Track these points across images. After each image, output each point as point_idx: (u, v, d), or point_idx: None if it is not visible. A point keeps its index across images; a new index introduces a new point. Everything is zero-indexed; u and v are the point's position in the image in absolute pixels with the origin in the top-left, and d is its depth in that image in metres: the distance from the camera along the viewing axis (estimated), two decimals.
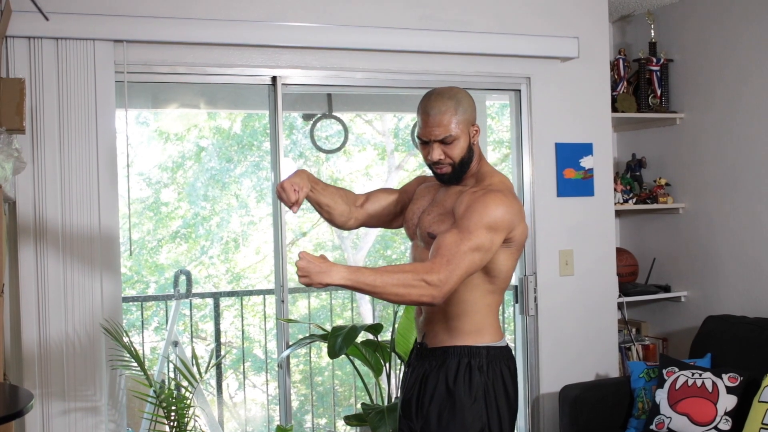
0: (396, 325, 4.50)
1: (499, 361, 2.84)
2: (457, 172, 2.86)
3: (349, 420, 4.54)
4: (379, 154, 10.70)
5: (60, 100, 3.92)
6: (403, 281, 2.51)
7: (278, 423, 4.57)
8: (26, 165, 3.68)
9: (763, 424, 3.88)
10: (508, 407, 2.84)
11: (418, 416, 2.86)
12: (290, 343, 4.48)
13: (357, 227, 3.18)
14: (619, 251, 5.33)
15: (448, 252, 2.58)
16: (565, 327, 4.94)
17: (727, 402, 4.12)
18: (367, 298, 9.87)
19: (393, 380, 4.62)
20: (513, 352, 2.95)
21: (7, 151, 3.16)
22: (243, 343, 8.24)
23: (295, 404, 9.11)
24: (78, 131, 3.94)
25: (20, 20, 3.77)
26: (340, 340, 4.11)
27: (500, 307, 2.91)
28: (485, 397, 2.79)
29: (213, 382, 6.37)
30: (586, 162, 5.00)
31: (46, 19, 3.66)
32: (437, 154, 2.83)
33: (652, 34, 5.39)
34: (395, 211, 3.18)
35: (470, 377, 2.79)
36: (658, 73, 5.32)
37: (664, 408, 4.25)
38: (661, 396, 4.30)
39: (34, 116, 3.88)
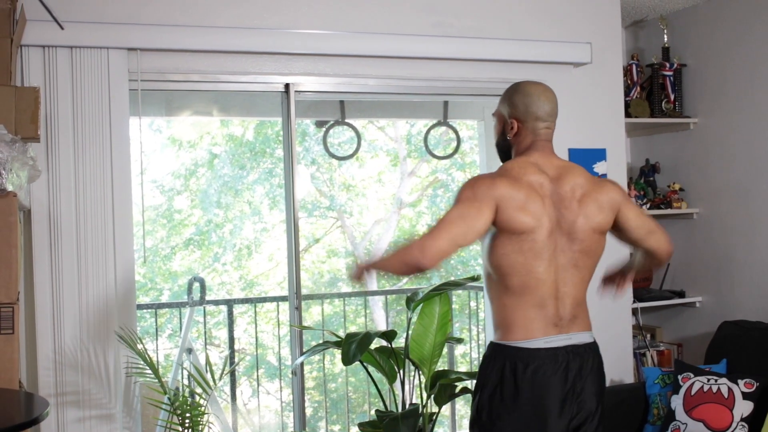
0: (410, 332, 4.49)
1: (502, 357, 2.85)
2: (498, 152, 3.10)
3: (364, 427, 4.53)
4: (391, 161, 10.70)
5: (74, 108, 3.94)
6: (400, 248, 2.74)
7: (292, 430, 4.56)
8: (41, 173, 3.70)
9: None
10: (503, 404, 2.83)
11: None
12: (304, 350, 4.48)
13: None
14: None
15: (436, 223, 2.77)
16: None
17: (744, 408, 4.10)
18: (380, 304, 9.87)
19: (407, 386, 4.61)
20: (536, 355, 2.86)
21: (22, 160, 3.18)
22: (257, 350, 8.23)
23: (308, 411, 9.11)
24: (92, 139, 3.96)
25: (35, 29, 3.79)
26: (354, 347, 4.11)
27: (532, 309, 2.86)
28: (481, 388, 2.89)
29: (227, 389, 6.37)
30: (599, 167, 4.99)
31: (61, 27, 3.68)
32: None
33: (665, 38, 5.37)
34: None
35: (480, 369, 2.94)
36: (672, 78, 5.31)
37: (680, 414, 4.23)
38: (677, 402, 4.28)
39: (49, 125, 3.90)
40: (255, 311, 7.76)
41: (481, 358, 3.01)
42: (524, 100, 2.97)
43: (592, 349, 2.95)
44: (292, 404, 4.69)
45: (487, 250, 2.89)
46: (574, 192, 2.89)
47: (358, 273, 2.87)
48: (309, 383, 9.40)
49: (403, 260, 2.73)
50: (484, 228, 2.78)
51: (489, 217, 2.77)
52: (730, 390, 4.16)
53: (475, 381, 2.98)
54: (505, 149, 3.05)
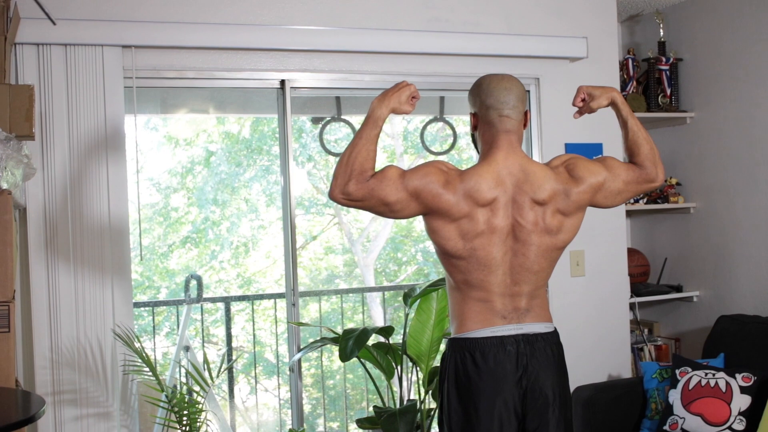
0: (407, 328, 4.49)
1: (454, 350, 2.87)
2: None
3: (362, 423, 4.53)
4: (388, 157, 10.68)
5: (69, 106, 3.93)
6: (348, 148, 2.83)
7: (290, 427, 4.56)
8: (36, 171, 3.69)
9: None
10: (459, 398, 2.85)
11: None
12: (301, 347, 4.48)
13: None
14: (631, 251, 5.31)
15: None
16: (577, 328, 4.92)
17: (741, 402, 4.10)
18: (378, 300, 9.87)
19: (405, 383, 4.61)
20: (478, 343, 2.85)
21: (16, 158, 3.17)
22: (254, 348, 8.24)
23: (307, 408, 9.11)
24: (87, 137, 3.95)
25: (29, 27, 3.78)
26: (351, 343, 4.11)
27: (478, 303, 2.87)
28: (440, 383, 2.92)
29: (225, 386, 6.37)
30: None
31: (53, 23, 3.67)
32: None
33: (661, 33, 5.37)
34: None
35: (440, 366, 2.98)
36: (668, 72, 5.31)
37: (678, 408, 4.23)
38: (675, 396, 4.28)
39: (44, 122, 3.89)
40: (252, 308, 7.77)
41: None
42: (476, 91, 2.93)
43: (546, 338, 2.89)
44: (290, 401, 4.69)
45: (435, 250, 2.93)
46: (535, 194, 2.82)
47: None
48: (307, 380, 9.39)
49: (338, 167, 2.80)
50: (434, 195, 2.78)
51: (440, 190, 2.77)
52: (727, 384, 4.16)
53: None
54: (477, 146, 3.03)
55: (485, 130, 2.92)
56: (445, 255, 2.86)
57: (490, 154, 2.88)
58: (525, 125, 2.95)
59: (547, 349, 2.88)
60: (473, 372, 2.81)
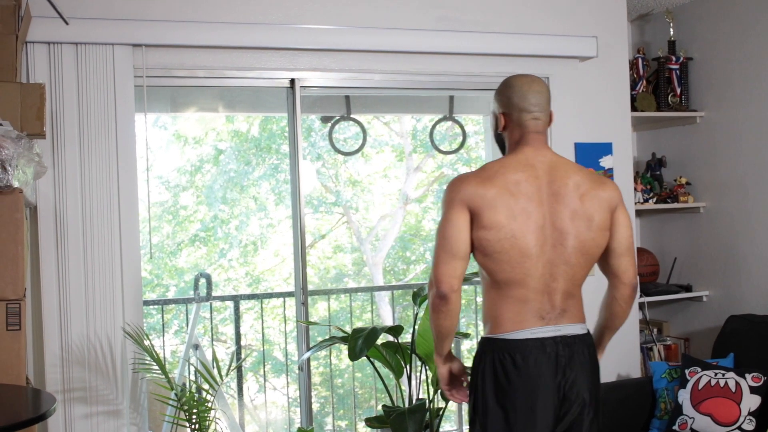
0: (416, 327, 4.49)
1: (491, 350, 2.85)
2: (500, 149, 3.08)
3: (371, 422, 4.53)
4: (397, 156, 10.69)
5: (80, 104, 3.94)
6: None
7: (299, 425, 4.57)
8: (47, 170, 3.70)
9: None
10: (495, 398, 2.83)
11: None
12: (310, 346, 4.48)
13: None
14: (640, 251, 5.30)
15: None
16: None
17: (751, 402, 4.09)
18: (387, 299, 9.87)
19: (414, 382, 4.61)
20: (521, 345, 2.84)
21: (27, 156, 3.18)
22: (263, 346, 8.26)
23: (315, 406, 9.12)
24: (98, 135, 3.96)
25: (40, 26, 3.80)
26: (360, 342, 4.11)
27: (518, 303, 2.86)
28: (474, 383, 2.90)
29: (233, 384, 6.38)
30: (605, 162, 4.98)
31: (66, 23, 3.68)
32: None
33: (671, 32, 5.36)
34: None
35: (472, 366, 2.95)
36: (678, 71, 5.29)
37: (687, 408, 4.22)
38: (684, 396, 4.27)
39: (55, 121, 3.90)
40: (261, 307, 7.79)
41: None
42: (507, 92, 2.94)
43: (583, 340, 2.90)
44: (298, 400, 4.70)
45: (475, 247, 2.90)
46: (568, 188, 2.84)
47: (447, 385, 3.04)
48: (316, 379, 9.40)
49: (431, 312, 2.86)
50: (468, 227, 2.80)
51: (467, 216, 2.80)
52: (737, 384, 4.15)
53: None
54: (503, 146, 3.04)
55: (514, 130, 2.94)
56: (481, 249, 2.84)
57: (518, 149, 2.91)
58: (549, 124, 2.99)
59: (584, 351, 2.89)
60: (513, 373, 2.80)
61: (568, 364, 2.83)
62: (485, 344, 2.89)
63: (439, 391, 4.44)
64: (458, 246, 2.79)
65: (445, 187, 2.90)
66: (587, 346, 2.92)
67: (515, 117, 2.92)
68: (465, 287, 7.66)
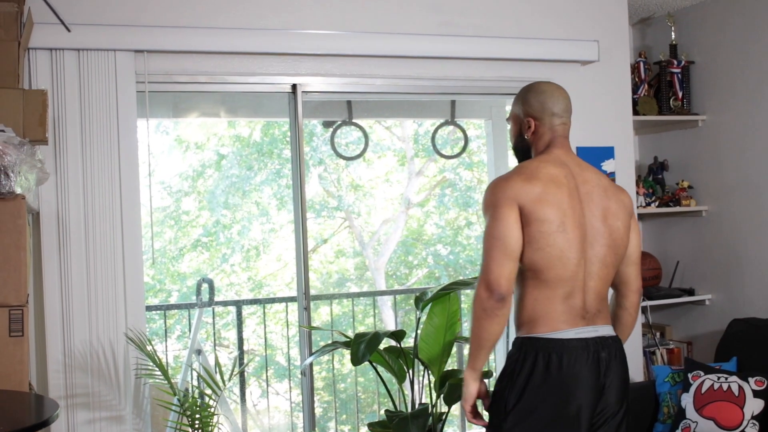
0: (419, 331, 4.49)
1: (533, 349, 2.83)
2: (516, 155, 3.13)
3: (373, 427, 4.53)
4: (399, 161, 10.69)
5: (82, 110, 3.95)
6: (472, 321, 2.80)
7: (301, 430, 4.56)
8: (49, 176, 3.70)
9: None
10: (537, 397, 2.81)
11: None
12: (313, 351, 4.48)
13: None
14: (643, 255, 5.29)
15: None
16: None
17: (754, 406, 4.08)
18: (389, 304, 9.87)
19: (416, 386, 4.61)
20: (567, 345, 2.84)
21: (30, 162, 3.18)
22: (266, 351, 8.24)
23: (318, 411, 9.12)
24: (100, 141, 3.97)
25: (42, 32, 3.81)
26: (363, 347, 4.11)
27: (562, 302, 2.85)
28: (510, 385, 2.84)
29: (236, 389, 6.37)
30: (607, 165, 4.98)
31: (68, 30, 3.69)
32: None
33: (673, 36, 5.36)
34: None
35: (507, 366, 2.90)
36: (680, 75, 5.29)
37: (690, 412, 4.22)
38: (687, 400, 4.27)
39: (57, 127, 3.91)
40: (264, 312, 7.78)
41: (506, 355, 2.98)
42: (539, 97, 3.01)
43: (617, 342, 2.95)
44: (301, 405, 4.70)
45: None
46: (599, 189, 2.91)
47: (473, 405, 2.91)
48: (318, 383, 9.40)
49: (480, 317, 2.77)
50: (520, 225, 2.80)
51: (517, 214, 2.79)
52: (740, 388, 4.15)
53: (493, 379, 2.96)
54: (524, 150, 3.07)
55: (545, 134, 3.00)
56: (533, 244, 2.82)
57: (548, 150, 2.97)
58: None
59: (619, 352, 2.93)
60: (558, 373, 2.79)
61: (608, 365, 2.86)
62: (525, 343, 2.86)
63: (442, 395, 4.44)
64: (512, 244, 2.77)
65: (485, 191, 2.90)
66: (620, 348, 2.96)
67: (547, 122, 3.00)
68: (468, 291, 7.66)
